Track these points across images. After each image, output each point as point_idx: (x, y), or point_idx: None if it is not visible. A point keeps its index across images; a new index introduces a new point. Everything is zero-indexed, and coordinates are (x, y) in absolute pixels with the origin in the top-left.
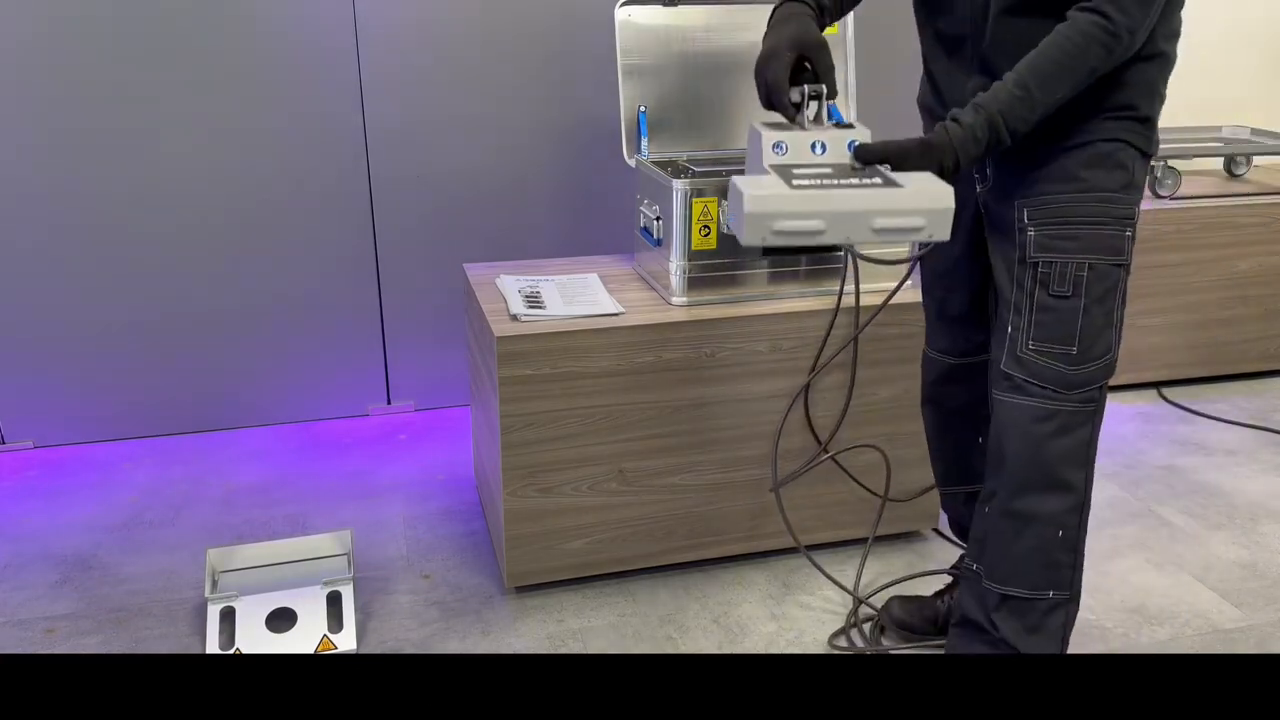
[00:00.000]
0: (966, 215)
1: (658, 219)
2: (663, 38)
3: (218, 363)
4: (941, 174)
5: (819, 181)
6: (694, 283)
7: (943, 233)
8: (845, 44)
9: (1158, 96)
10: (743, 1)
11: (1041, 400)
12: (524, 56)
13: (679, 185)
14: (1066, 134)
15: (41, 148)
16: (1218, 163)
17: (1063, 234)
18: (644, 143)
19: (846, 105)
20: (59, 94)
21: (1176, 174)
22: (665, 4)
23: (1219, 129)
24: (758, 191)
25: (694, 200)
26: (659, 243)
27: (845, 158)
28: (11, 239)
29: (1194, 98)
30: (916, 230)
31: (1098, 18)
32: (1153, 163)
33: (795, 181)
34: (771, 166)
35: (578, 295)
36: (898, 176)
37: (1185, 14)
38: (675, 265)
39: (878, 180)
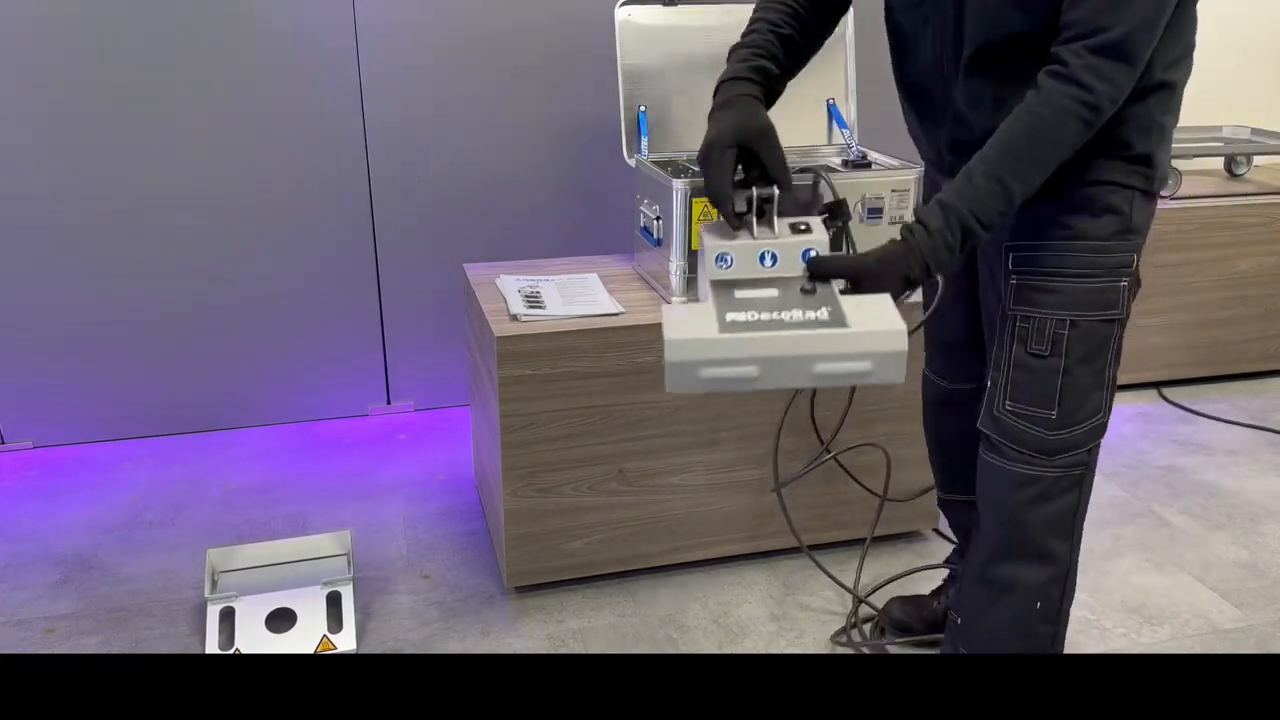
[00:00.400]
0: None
1: (658, 219)
2: (663, 38)
3: (218, 363)
4: (909, 284)
5: (757, 315)
6: (694, 283)
7: (893, 376)
8: (845, 43)
9: (1159, 129)
10: (743, 1)
11: (1019, 465)
12: (524, 56)
13: (679, 185)
14: (1054, 175)
15: (41, 148)
16: (1218, 162)
17: (1042, 287)
18: (644, 143)
19: (847, 105)
20: (58, 94)
21: (1177, 174)
22: (665, 4)
23: (1219, 129)
24: (680, 334)
25: (694, 200)
26: (659, 243)
27: (798, 268)
28: (11, 239)
29: (1194, 98)
30: (864, 375)
31: (1074, 89)
32: None
33: (730, 315)
34: (714, 284)
35: (578, 295)
36: (849, 305)
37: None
38: (675, 265)
39: (825, 313)
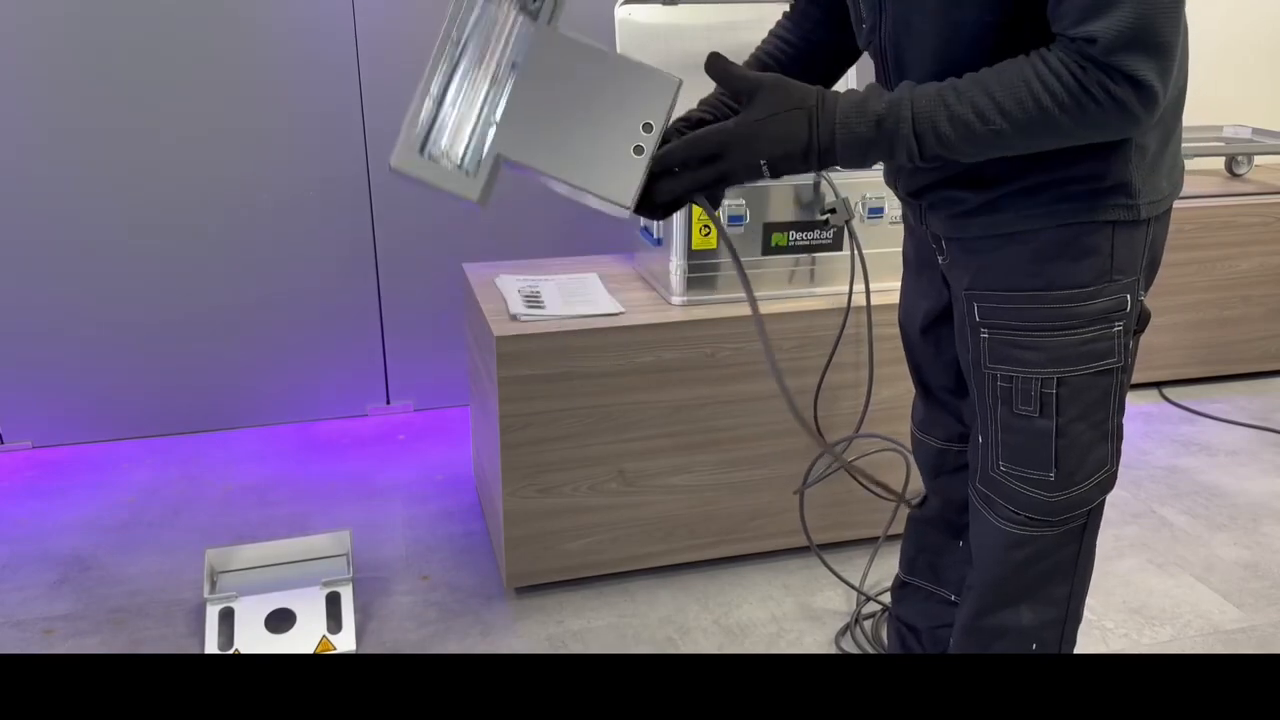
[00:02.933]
0: (937, 271)
1: None
2: (663, 37)
3: (217, 363)
4: (794, 156)
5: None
6: (694, 283)
7: (620, 210)
8: None
9: (1139, 151)
10: (743, 1)
11: (1017, 526)
12: None
13: None
14: (1007, 217)
15: (40, 148)
16: (1219, 162)
17: (1020, 343)
18: None
19: None
20: (58, 95)
21: None
22: (665, 3)
23: (1220, 129)
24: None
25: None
26: (659, 242)
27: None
28: (11, 239)
29: (1195, 97)
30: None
31: (1090, 67)
32: None
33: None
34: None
35: (578, 295)
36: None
37: (1186, 13)
38: (675, 265)
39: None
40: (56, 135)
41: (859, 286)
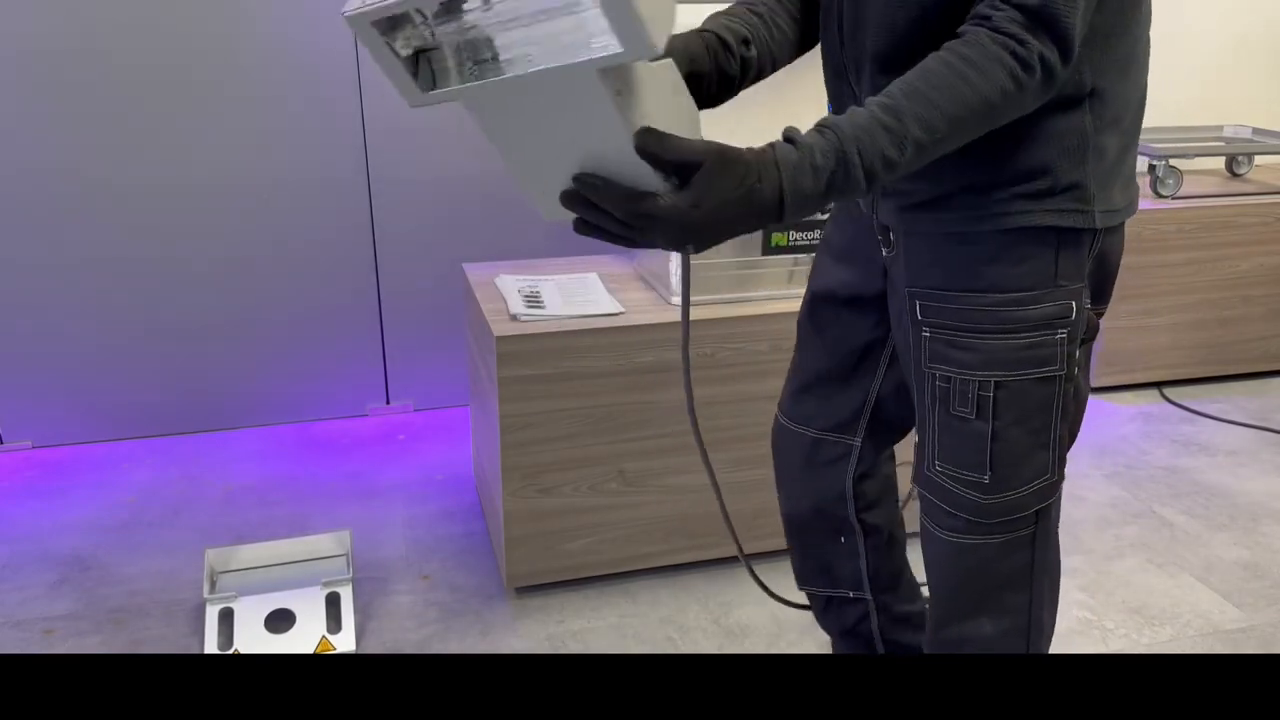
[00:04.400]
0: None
1: None
2: None
3: (217, 363)
4: (749, 205)
5: None
6: (694, 283)
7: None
8: None
9: (1097, 152)
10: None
11: (959, 534)
12: None
13: None
14: (955, 215)
15: (40, 149)
16: (1219, 162)
17: (958, 344)
18: None
19: None
20: (59, 96)
21: (1178, 174)
22: None
23: (1220, 129)
24: None
25: None
26: None
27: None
28: (11, 239)
29: (1195, 97)
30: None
31: (1004, 38)
32: (1153, 163)
33: None
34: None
35: (577, 295)
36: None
37: (1186, 13)
38: (675, 265)
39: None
40: (56, 136)
41: None
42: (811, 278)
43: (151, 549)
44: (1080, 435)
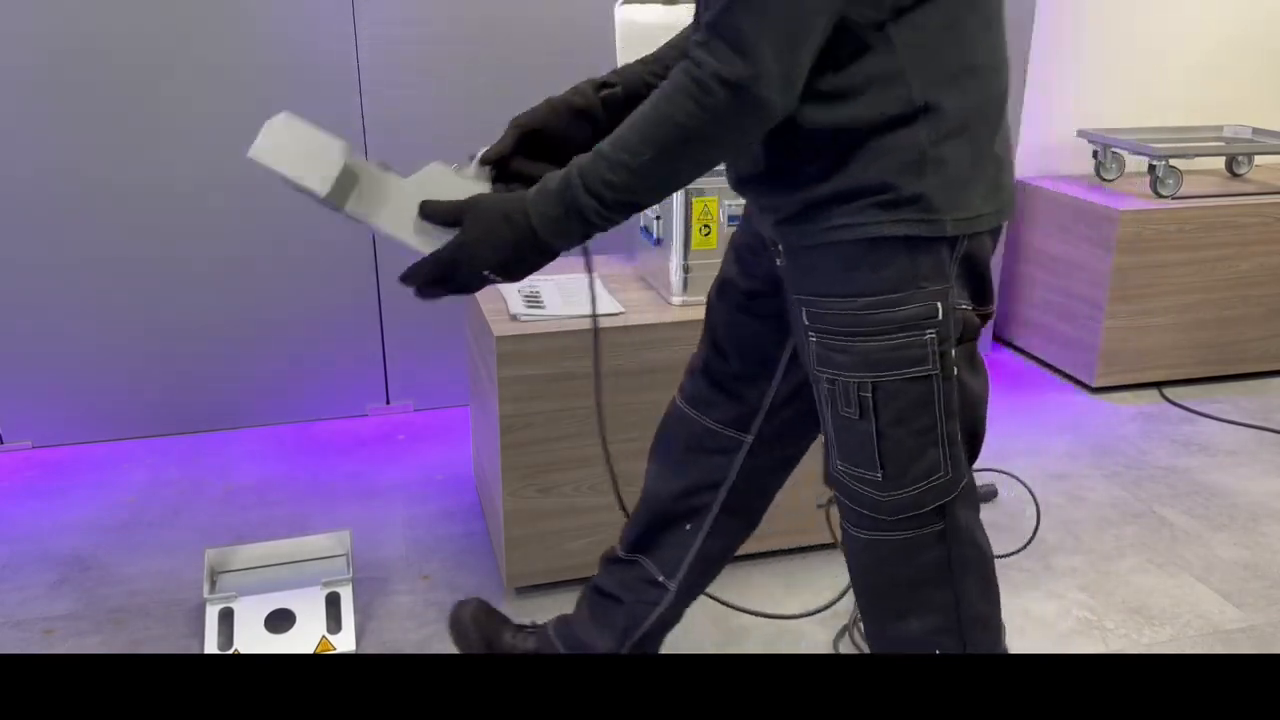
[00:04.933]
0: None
1: (657, 218)
2: (663, 37)
3: (217, 363)
4: (518, 236)
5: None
6: (694, 282)
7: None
8: None
9: (935, 164)
10: None
11: (866, 531)
12: (524, 55)
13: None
14: (818, 227)
15: (40, 149)
16: (1219, 162)
17: (838, 347)
18: None
19: None
20: (59, 96)
21: (1178, 174)
22: (665, 3)
23: (1220, 129)
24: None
25: (694, 200)
26: (659, 242)
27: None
28: (11, 240)
29: (1195, 97)
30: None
31: (686, 63)
32: (1153, 163)
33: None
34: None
35: (577, 295)
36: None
37: (1186, 13)
38: (675, 265)
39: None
40: (56, 136)
41: None
42: (723, 263)
43: (151, 549)
44: (1080, 435)
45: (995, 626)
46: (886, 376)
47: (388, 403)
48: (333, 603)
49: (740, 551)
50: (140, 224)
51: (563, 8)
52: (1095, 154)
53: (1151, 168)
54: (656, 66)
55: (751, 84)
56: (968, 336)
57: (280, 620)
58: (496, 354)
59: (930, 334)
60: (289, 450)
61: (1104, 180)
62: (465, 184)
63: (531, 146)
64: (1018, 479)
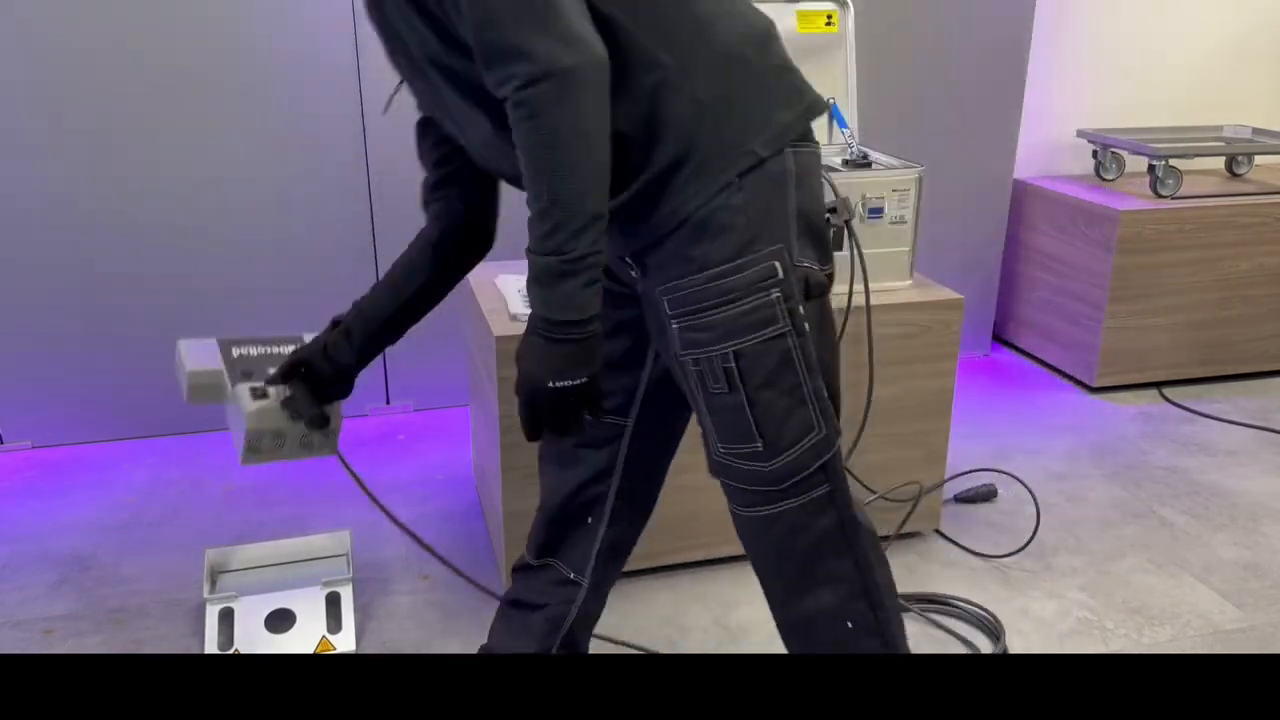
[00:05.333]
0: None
1: None
2: None
3: None
4: (551, 347)
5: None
6: None
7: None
8: (846, 43)
9: (696, 106)
10: None
11: (756, 508)
12: None
13: None
14: (657, 217)
15: (41, 149)
16: (1219, 162)
17: (697, 325)
18: None
19: (847, 105)
20: (59, 96)
21: (1178, 174)
22: None
23: (1220, 129)
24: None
25: None
26: None
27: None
28: (11, 239)
29: (1195, 97)
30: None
31: (507, 108)
32: (1153, 163)
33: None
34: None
35: None
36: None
37: (1186, 13)
38: None
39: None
40: (55, 135)
41: (859, 286)
42: None
43: (151, 549)
44: (1080, 435)
45: (895, 592)
46: (745, 342)
47: (388, 403)
48: (333, 603)
49: (740, 552)
50: (141, 224)
51: None
52: (1095, 154)
53: (1151, 168)
54: (394, 274)
55: (547, 73)
56: (814, 294)
57: (280, 620)
58: (496, 354)
59: (775, 293)
60: None
61: (1104, 180)
62: (247, 400)
63: (306, 375)
64: (1018, 479)
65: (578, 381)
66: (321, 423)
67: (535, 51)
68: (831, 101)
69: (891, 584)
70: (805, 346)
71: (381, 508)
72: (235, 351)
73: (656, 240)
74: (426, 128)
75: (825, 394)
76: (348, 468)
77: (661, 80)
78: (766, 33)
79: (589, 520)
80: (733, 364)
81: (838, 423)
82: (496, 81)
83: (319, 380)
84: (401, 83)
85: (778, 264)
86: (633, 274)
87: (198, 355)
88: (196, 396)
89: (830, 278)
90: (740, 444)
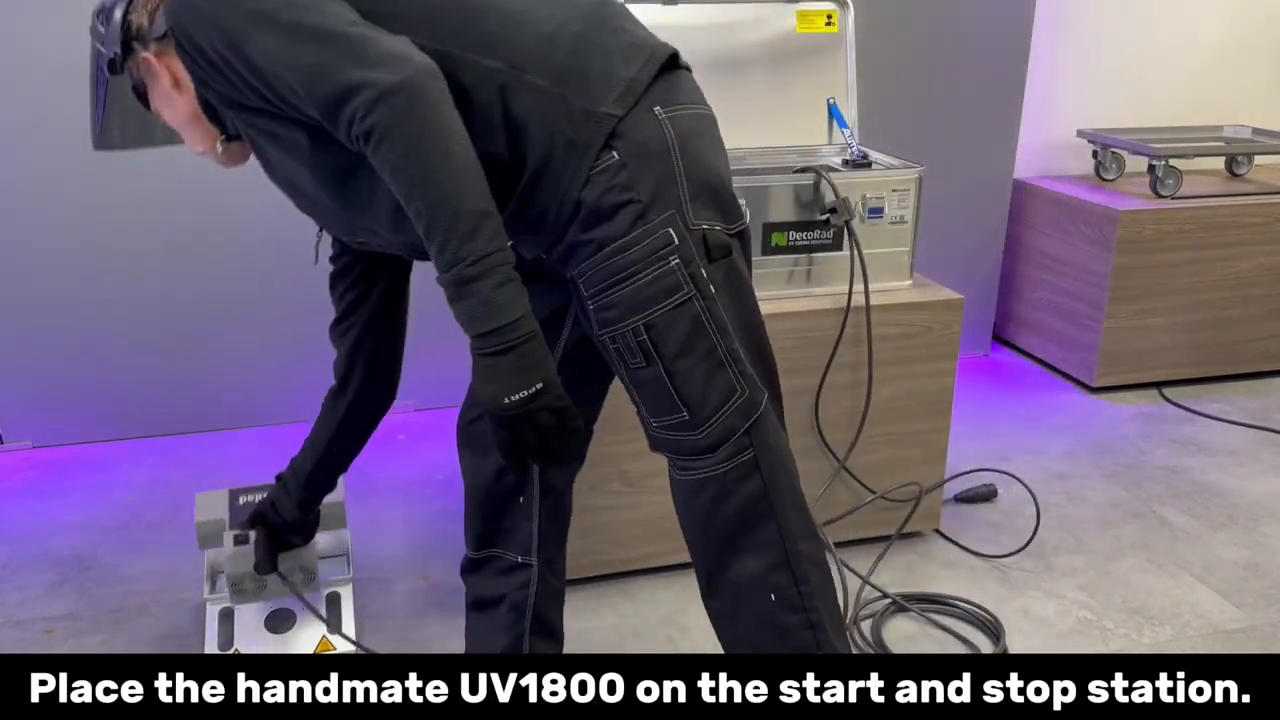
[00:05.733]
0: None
1: None
2: (663, 37)
3: (217, 363)
4: (497, 359)
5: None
6: None
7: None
8: (846, 43)
9: (535, 92)
10: (743, 1)
11: (692, 472)
12: None
13: None
14: (543, 211)
15: (40, 148)
16: (1219, 162)
17: (608, 304)
18: None
19: (847, 104)
20: (57, 94)
21: (1178, 174)
22: (665, 3)
23: (1220, 129)
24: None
25: None
26: None
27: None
28: (11, 239)
29: (1195, 97)
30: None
31: (360, 148)
32: (1153, 163)
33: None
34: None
35: None
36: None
37: (1186, 13)
38: None
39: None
40: (55, 134)
41: (859, 286)
42: None
43: (151, 549)
44: (1080, 435)
45: (824, 567)
46: (653, 313)
47: None
48: (333, 603)
49: None
50: (140, 224)
51: None
52: (1095, 154)
53: (1151, 168)
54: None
55: (381, 94)
56: (717, 255)
57: (280, 620)
58: None
59: (674, 260)
60: (289, 450)
61: (1104, 180)
62: (228, 546)
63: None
64: (1018, 479)
65: (533, 390)
66: (267, 569)
67: (362, 82)
68: (831, 101)
69: (819, 559)
70: (713, 309)
71: (319, 616)
72: (241, 499)
73: (559, 235)
74: (337, 280)
75: (741, 355)
76: (308, 604)
77: (499, 84)
78: (591, 5)
79: (520, 500)
80: (645, 336)
81: (762, 386)
82: (345, 129)
83: (276, 530)
84: (321, 230)
85: (672, 230)
86: (559, 269)
87: (206, 505)
88: (206, 544)
89: (738, 236)
90: (667, 415)
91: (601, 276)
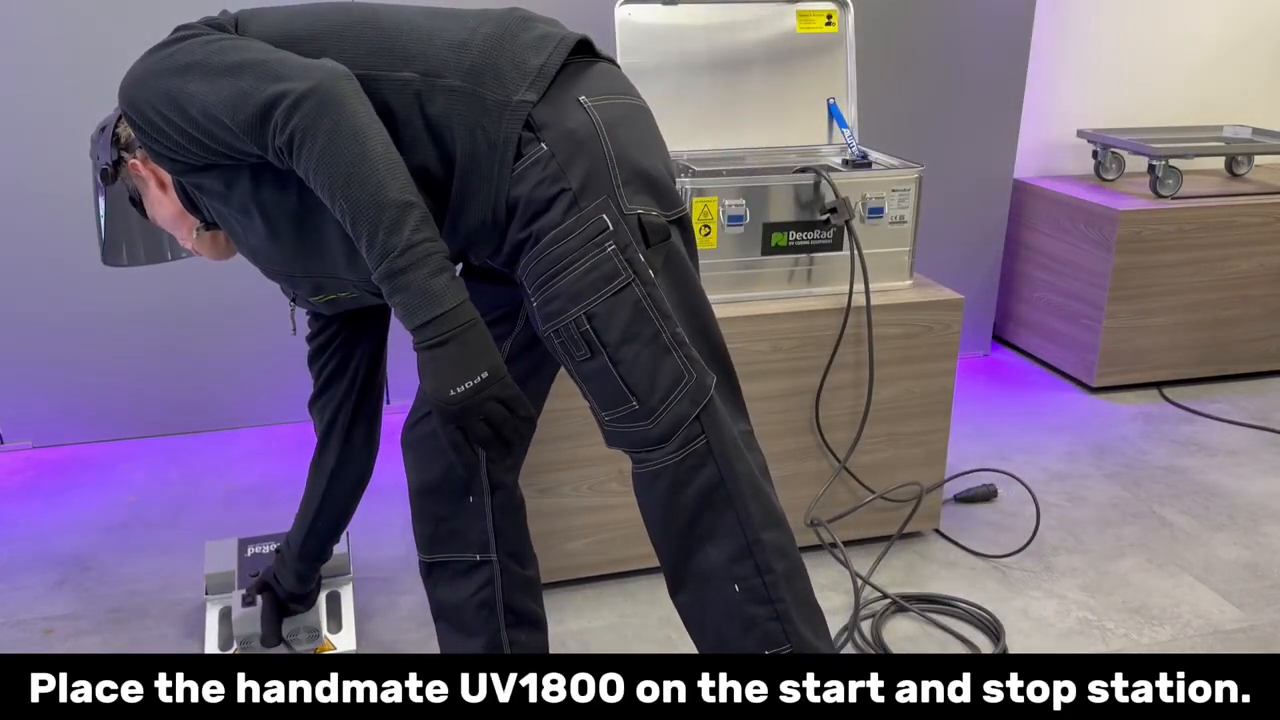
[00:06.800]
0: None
1: None
2: (663, 37)
3: (217, 363)
4: (447, 349)
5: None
6: None
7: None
8: (846, 43)
9: (477, 100)
10: (743, 1)
11: (643, 467)
12: None
13: (679, 184)
14: (480, 214)
15: (39, 149)
16: (1219, 162)
17: (548, 295)
18: None
19: (847, 104)
20: (57, 91)
21: (1178, 174)
22: (665, 3)
23: (1220, 129)
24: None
25: (694, 200)
26: None
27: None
28: (10, 239)
29: (1195, 97)
30: None
31: (287, 164)
32: (1153, 163)
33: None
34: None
35: None
36: None
37: (1185, 13)
38: None
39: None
40: (56, 136)
41: (859, 286)
42: None
43: (151, 549)
44: (1080, 435)
45: (792, 555)
46: (594, 302)
47: (388, 403)
48: (333, 602)
49: None
50: None
51: (562, 9)
52: (1095, 154)
53: (1151, 168)
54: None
55: (295, 102)
56: (655, 239)
57: None
58: None
59: (610, 246)
60: (289, 450)
61: (1104, 180)
62: (236, 608)
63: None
64: (1018, 479)
65: (479, 379)
66: (273, 644)
67: (278, 94)
68: (831, 101)
69: (786, 547)
70: (654, 294)
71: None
72: (249, 550)
73: (501, 237)
74: (314, 357)
75: (686, 340)
76: (289, 646)
77: (414, 91)
78: (503, 12)
79: (470, 499)
80: (588, 326)
81: (710, 370)
82: (272, 147)
83: (279, 599)
84: (294, 297)
85: (606, 216)
86: (508, 271)
87: (215, 556)
88: (214, 595)
89: (677, 222)
90: (618, 407)
91: (542, 268)
